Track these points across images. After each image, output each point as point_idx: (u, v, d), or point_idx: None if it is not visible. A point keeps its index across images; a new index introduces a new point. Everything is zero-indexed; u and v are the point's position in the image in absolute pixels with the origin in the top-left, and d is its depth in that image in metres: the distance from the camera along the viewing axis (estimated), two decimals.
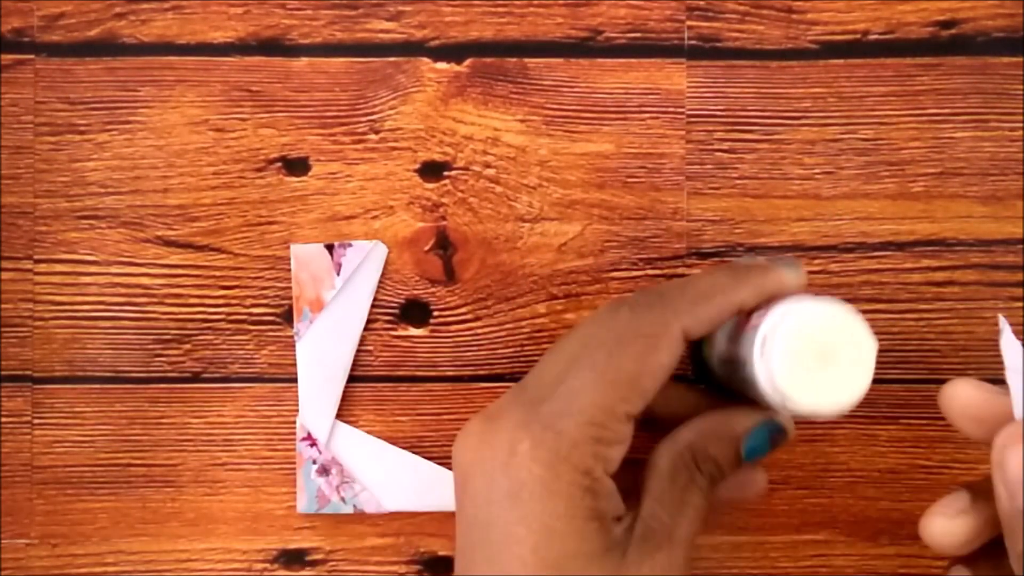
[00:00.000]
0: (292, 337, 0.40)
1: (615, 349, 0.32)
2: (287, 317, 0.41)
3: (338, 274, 0.40)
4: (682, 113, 0.41)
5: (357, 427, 0.41)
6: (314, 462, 0.40)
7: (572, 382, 0.32)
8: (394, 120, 0.41)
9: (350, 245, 0.40)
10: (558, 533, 0.31)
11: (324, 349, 0.40)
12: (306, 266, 0.40)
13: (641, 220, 0.41)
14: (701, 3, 0.41)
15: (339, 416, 0.40)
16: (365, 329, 0.40)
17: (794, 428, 0.34)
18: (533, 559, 0.31)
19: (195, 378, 0.41)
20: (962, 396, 0.33)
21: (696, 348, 0.40)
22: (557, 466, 0.31)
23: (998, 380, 0.41)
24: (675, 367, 0.32)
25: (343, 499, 0.40)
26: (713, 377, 0.39)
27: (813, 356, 0.32)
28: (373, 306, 0.41)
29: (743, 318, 0.36)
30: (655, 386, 0.32)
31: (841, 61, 0.41)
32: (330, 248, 0.40)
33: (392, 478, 0.40)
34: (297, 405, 0.40)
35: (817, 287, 0.41)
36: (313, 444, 0.40)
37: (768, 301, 0.33)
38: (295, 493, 0.40)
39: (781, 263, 0.34)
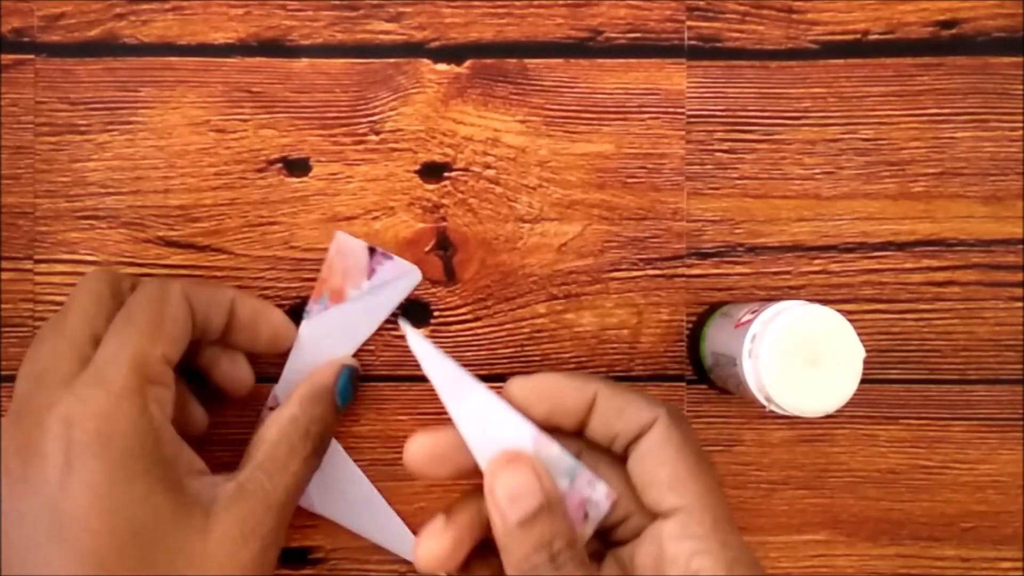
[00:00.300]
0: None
1: (134, 311, 0.34)
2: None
3: (369, 279, 0.40)
4: (682, 113, 0.41)
5: (357, 427, 0.41)
6: None
7: (107, 346, 0.33)
8: (394, 121, 0.41)
9: (391, 258, 0.40)
10: (122, 484, 0.31)
11: (325, 339, 0.40)
12: (344, 257, 0.40)
13: (641, 220, 0.41)
14: (701, 3, 0.41)
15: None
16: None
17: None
18: (99, 522, 0.31)
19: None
20: (421, 445, 0.34)
21: (694, 347, 0.40)
22: (111, 417, 0.31)
23: (997, 380, 0.41)
24: (187, 324, 0.35)
25: None
26: (709, 375, 0.39)
27: (800, 358, 0.33)
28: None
29: (736, 318, 0.36)
30: (175, 331, 0.34)
31: (841, 61, 0.41)
32: (372, 250, 0.40)
33: (337, 489, 0.40)
34: None
35: (817, 287, 0.41)
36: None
37: (255, 319, 0.38)
38: None
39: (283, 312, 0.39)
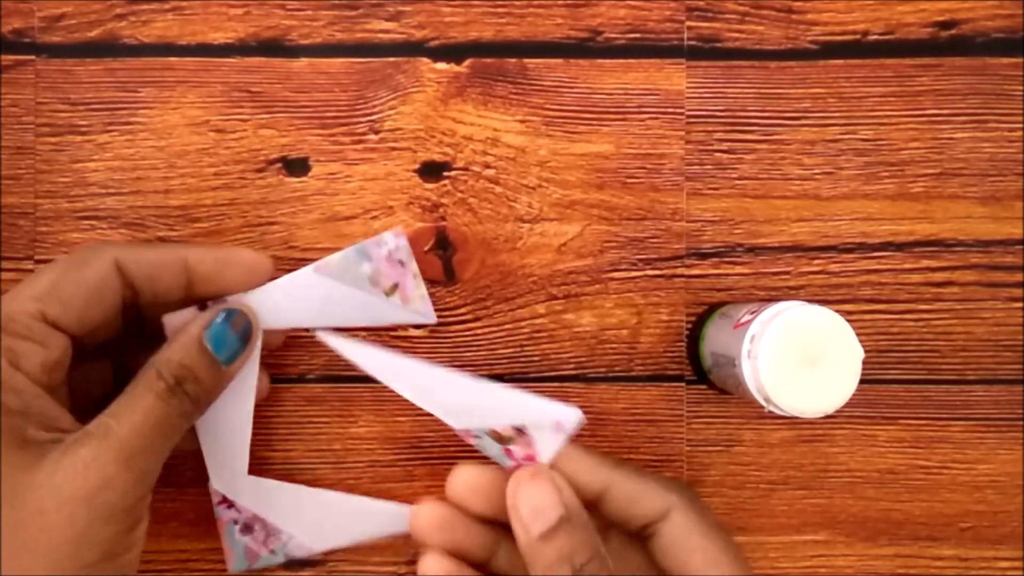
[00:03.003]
0: (291, 337, 0.40)
1: (57, 263, 0.35)
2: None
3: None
4: (682, 113, 0.41)
5: (355, 428, 0.41)
6: (235, 522, 0.39)
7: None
8: (394, 120, 0.41)
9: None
10: None
11: (221, 407, 0.37)
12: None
13: (641, 220, 0.41)
14: (701, 3, 0.41)
15: (337, 417, 0.40)
16: (365, 330, 0.40)
17: (254, 314, 0.36)
18: None
19: None
20: (466, 477, 0.37)
21: (693, 347, 0.40)
22: None
23: (996, 380, 0.41)
24: (106, 292, 0.35)
25: (272, 551, 0.39)
26: (708, 376, 0.39)
27: (799, 358, 0.33)
28: None
29: (735, 319, 0.36)
30: (74, 297, 0.34)
31: (841, 61, 0.41)
32: (203, 307, 0.37)
33: (316, 519, 0.39)
34: (295, 406, 0.40)
35: (817, 287, 0.41)
36: (231, 506, 0.38)
37: (221, 268, 0.36)
38: None
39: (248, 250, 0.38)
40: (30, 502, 0.30)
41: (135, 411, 0.33)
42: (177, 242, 0.37)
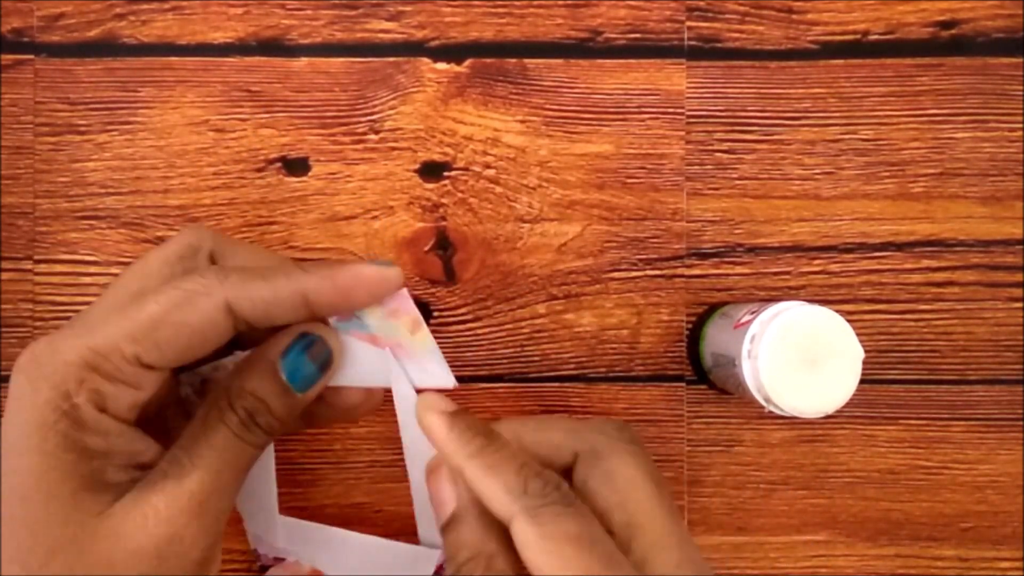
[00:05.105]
0: None
1: (150, 290, 0.31)
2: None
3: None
4: (682, 113, 0.41)
5: (356, 428, 0.41)
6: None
7: (95, 307, 0.31)
8: (394, 120, 0.41)
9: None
10: (21, 450, 0.29)
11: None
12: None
13: (641, 221, 0.41)
14: (701, 3, 0.41)
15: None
16: None
17: (338, 342, 0.33)
18: None
19: None
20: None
21: (693, 347, 0.40)
22: (37, 381, 0.29)
23: (996, 381, 0.41)
24: (211, 335, 0.31)
25: None
26: (708, 376, 0.39)
27: (799, 358, 0.33)
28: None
29: (735, 319, 0.36)
30: (175, 341, 0.31)
31: (841, 61, 0.41)
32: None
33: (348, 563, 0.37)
34: None
35: (817, 287, 0.41)
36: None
37: (345, 294, 0.32)
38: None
39: (369, 261, 0.34)
40: (99, 551, 0.29)
41: (209, 448, 0.31)
42: (291, 269, 0.32)
